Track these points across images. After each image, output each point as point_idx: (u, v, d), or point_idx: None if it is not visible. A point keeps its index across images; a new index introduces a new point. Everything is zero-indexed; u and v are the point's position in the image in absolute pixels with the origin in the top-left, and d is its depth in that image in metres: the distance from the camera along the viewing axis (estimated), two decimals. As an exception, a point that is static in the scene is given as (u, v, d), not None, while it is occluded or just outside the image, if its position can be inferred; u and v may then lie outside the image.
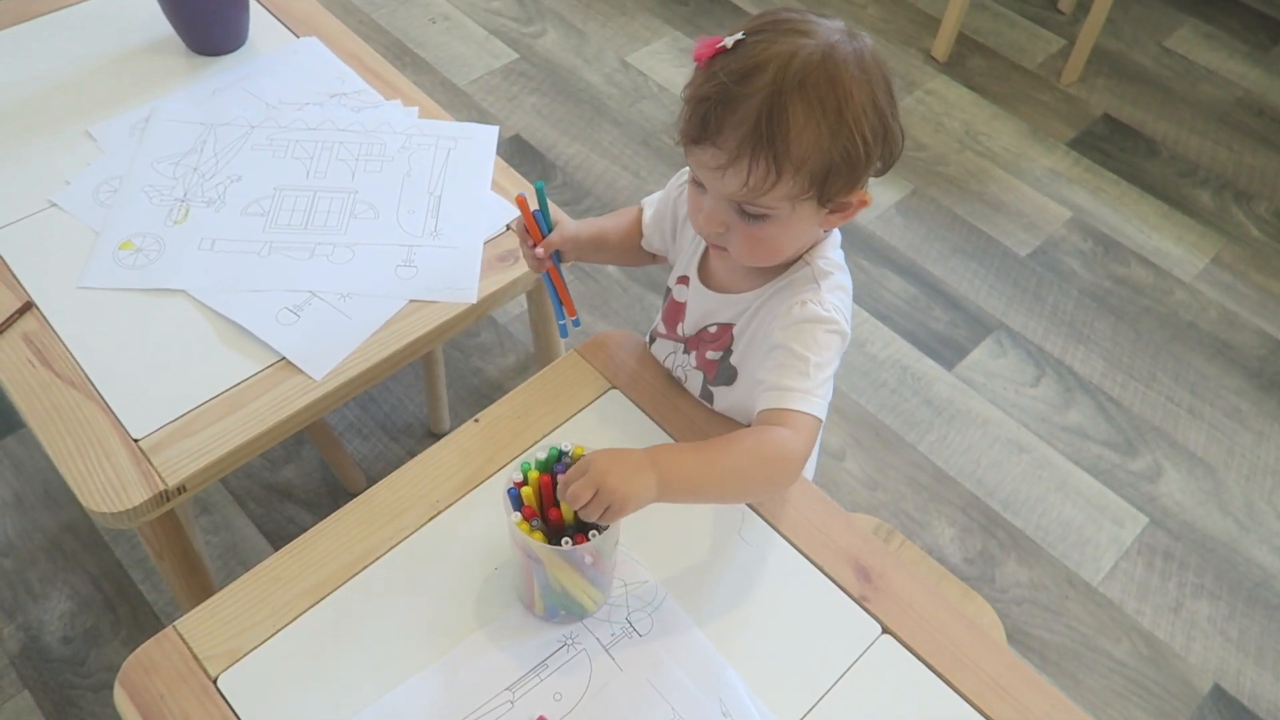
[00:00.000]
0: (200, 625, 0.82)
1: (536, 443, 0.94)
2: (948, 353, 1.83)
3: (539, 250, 0.96)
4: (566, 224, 0.98)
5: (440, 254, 1.11)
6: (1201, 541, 1.61)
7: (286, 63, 1.33)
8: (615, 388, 1.00)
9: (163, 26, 1.32)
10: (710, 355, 0.96)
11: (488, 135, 1.26)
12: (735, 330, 0.93)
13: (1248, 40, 2.53)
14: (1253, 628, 1.52)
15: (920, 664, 0.83)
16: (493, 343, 1.80)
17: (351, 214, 1.15)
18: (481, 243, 1.13)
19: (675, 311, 0.99)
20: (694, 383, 0.99)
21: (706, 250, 0.94)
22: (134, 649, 0.81)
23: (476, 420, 0.97)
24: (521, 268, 1.12)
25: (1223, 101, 2.36)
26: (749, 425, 0.86)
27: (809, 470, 1.02)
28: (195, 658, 0.80)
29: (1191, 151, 2.24)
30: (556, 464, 0.78)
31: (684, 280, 0.97)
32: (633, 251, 1.05)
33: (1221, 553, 1.60)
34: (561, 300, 1.01)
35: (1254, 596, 1.55)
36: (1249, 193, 2.16)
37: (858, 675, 0.83)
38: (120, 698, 0.79)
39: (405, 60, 2.29)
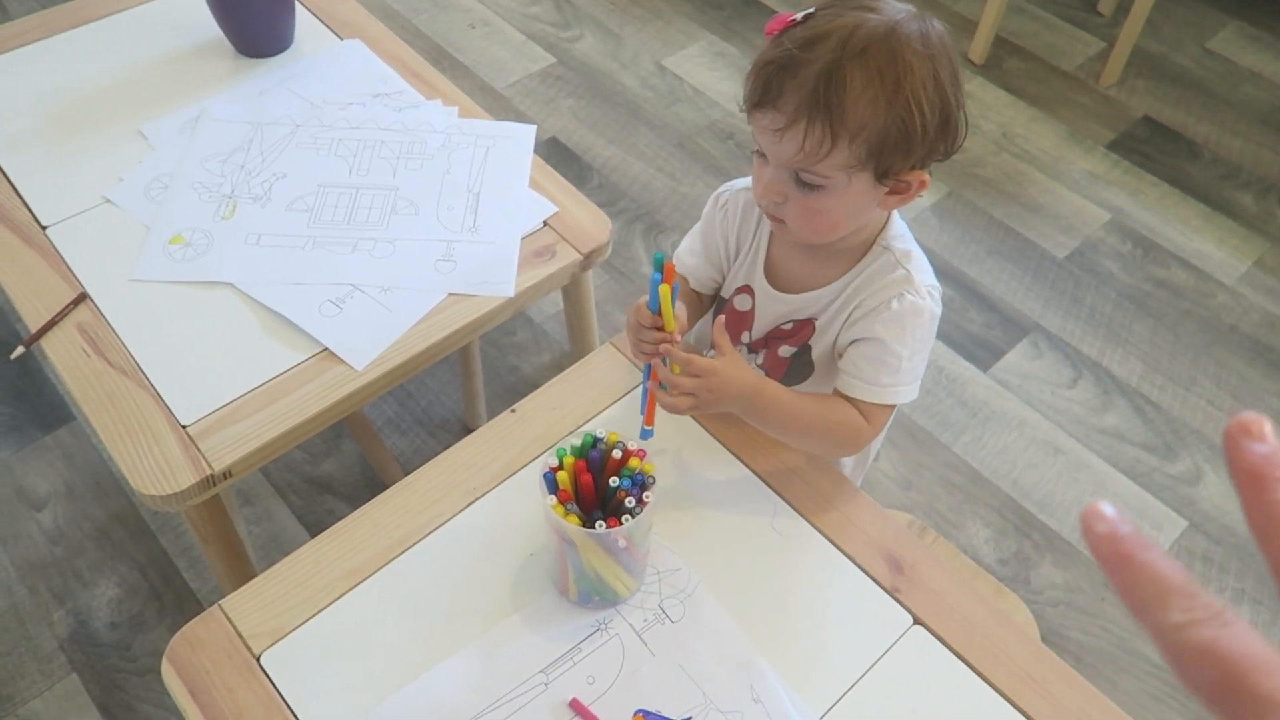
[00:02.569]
0: (244, 605, 0.84)
1: (571, 432, 0.96)
2: (983, 354, 1.82)
3: (665, 345, 0.84)
4: (683, 315, 0.90)
5: (478, 249, 1.14)
6: (1242, 546, 1.59)
7: (330, 64, 1.36)
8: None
9: (212, 30, 1.36)
10: (784, 352, 0.96)
11: (526, 134, 1.28)
12: (819, 324, 0.93)
13: (1293, 41, 2.49)
14: (1294, 634, 1.50)
15: (952, 655, 0.84)
16: (528, 341, 1.82)
17: (392, 210, 1.17)
18: (519, 239, 1.15)
19: (739, 321, 0.99)
20: None
21: (769, 255, 0.95)
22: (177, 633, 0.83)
23: (513, 411, 0.98)
24: (558, 263, 1.14)
25: (1266, 104, 2.33)
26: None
27: (877, 441, 1.05)
28: (240, 636, 0.82)
29: (1234, 154, 2.21)
30: (591, 450, 0.79)
31: (746, 290, 0.97)
32: (698, 310, 1.03)
33: (1260, 558, 1.57)
34: (648, 405, 0.89)
35: (1296, 602, 1.53)
36: (1293, 195, 2.13)
37: (888, 665, 0.83)
38: (168, 673, 0.81)
39: (444, 64, 2.32)
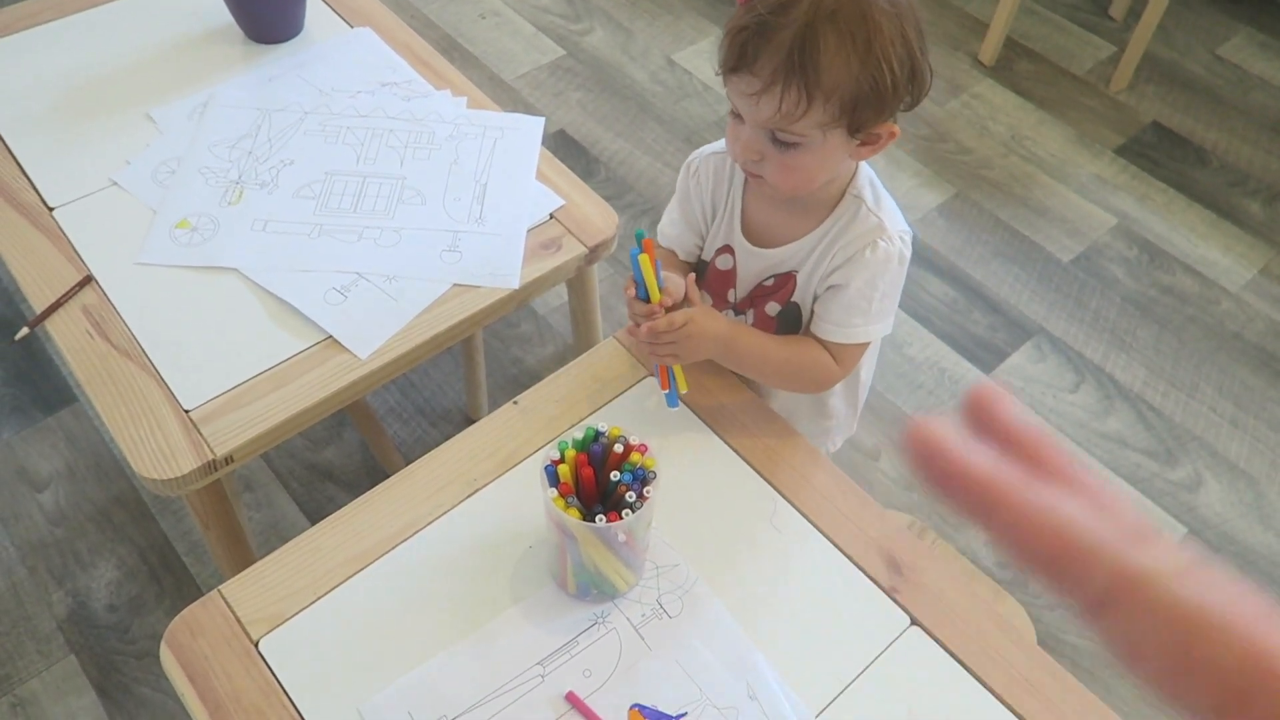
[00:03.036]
0: (244, 590, 0.85)
1: (573, 426, 0.96)
2: (986, 356, 1.82)
3: (657, 318, 0.88)
4: (676, 287, 0.92)
5: (484, 240, 1.14)
6: (1241, 553, 1.59)
7: (340, 52, 1.36)
8: (653, 375, 1.01)
9: (222, 15, 1.36)
10: (770, 309, 0.99)
11: (534, 126, 1.28)
12: (800, 277, 0.96)
13: (1304, 50, 2.48)
14: (1291, 642, 1.49)
15: (949, 657, 0.84)
16: (532, 333, 1.82)
17: (399, 199, 1.17)
18: (525, 230, 1.15)
19: (722, 280, 1.01)
20: None
21: (744, 213, 0.97)
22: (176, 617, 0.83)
23: (516, 403, 0.98)
24: (563, 256, 1.14)
25: (1275, 111, 2.32)
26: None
27: (866, 371, 1.09)
28: (238, 621, 0.83)
29: (1242, 161, 2.21)
30: (593, 443, 0.80)
31: (726, 250, 1.00)
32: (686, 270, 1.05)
33: (1261, 565, 1.58)
34: (661, 372, 0.94)
35: (1293, 611, 1.53)
36: (1301, 204, 2.13)
37: (885, 665, 0.83)
38: (166, 657, 0.81)
39: (454, 54, 2.32)
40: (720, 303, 1.03)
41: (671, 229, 1.04)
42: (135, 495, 1.57)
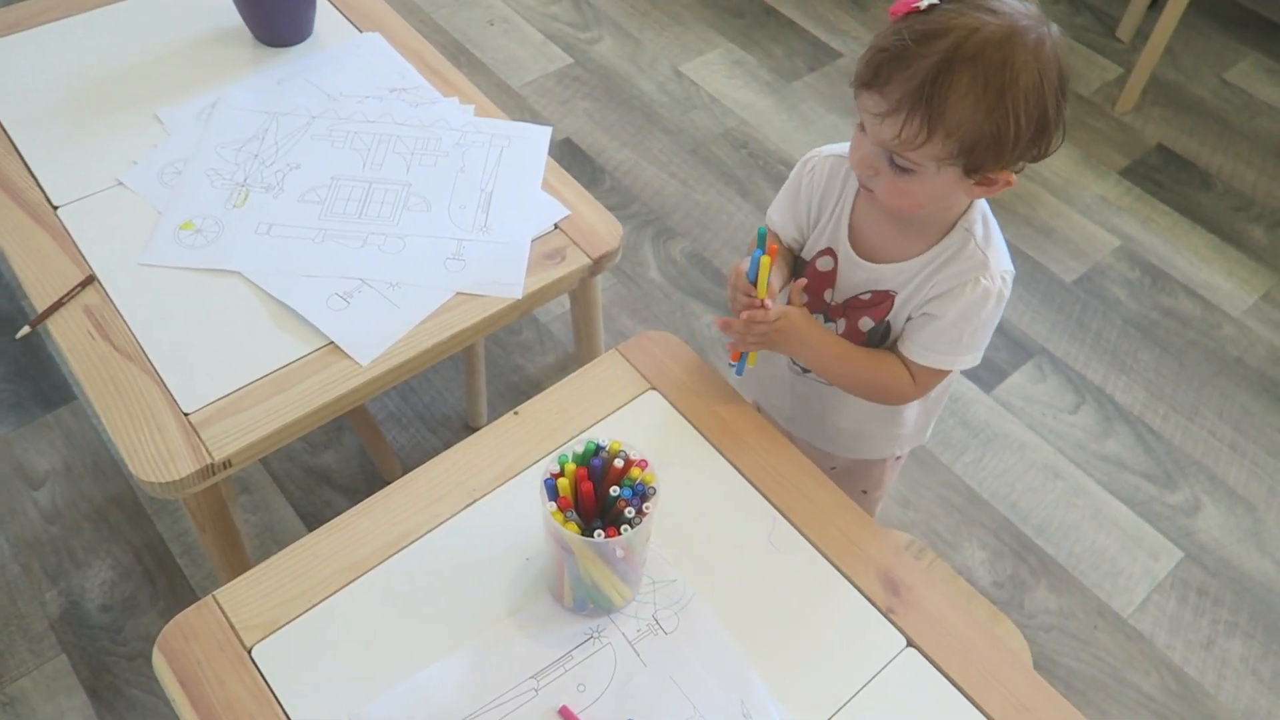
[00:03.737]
0: (239, 596, 0.84)
1: (573, 438, 0.96)
2: (987, 375, 1.82)
3: (762, 312, 0.92)
4: (775, 289, 0.96)
5: (489, 249, 1.14)
6: (1237, 579, 1.58)
7: (349, 56, 1.36)
8: (654, 389, 1.01)
9: (232, 17, 1.36)
10: (864, 325, 1.00)
11: (540, 135, 1.28)
12: (898, 299, 0.97)
13: (1311, 76, 2.49)
14: (1287, 670, 1.49)
15: (944, 680, 0.83)
16: (534, 341, 1.82)
17: (405, 206, 1.17)
18: (529, 240, 1.15)
19: (821, 280, 1.02)
20: None
21: (853, 221, 0.98)
22: (170, 620, 0.83)
23: (516, 413, 0.98)
24: (567, 267, 1.14)
25: (1281, 137, 2.33)
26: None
27: (943, 388, 1.10)
28: (232, 627, 0.82)
29: (1247, 186, 2.21)
30: (593, 457, 0.79)
31: (828, 252, 1.01)
32: (790, 265, 1.07)
33: (1257, 592, 1.57)
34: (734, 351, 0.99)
35: (1290, 639, 1.53)
36: (1304, 230, 2.13)
37: (880, 687, 0.83)
38: (159, 662, 0.81)
39: (462, 60, 2.32)
40: (816, 303, 1.03)
41: (776, 215, 1.06)
42: (132, 495, 1.56)
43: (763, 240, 0.90)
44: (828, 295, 1.02)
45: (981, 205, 0.94)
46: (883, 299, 0.98)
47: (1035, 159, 0.84)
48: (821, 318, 1.03)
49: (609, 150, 2.16)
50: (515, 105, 2.23)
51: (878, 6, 2.57)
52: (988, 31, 0.77)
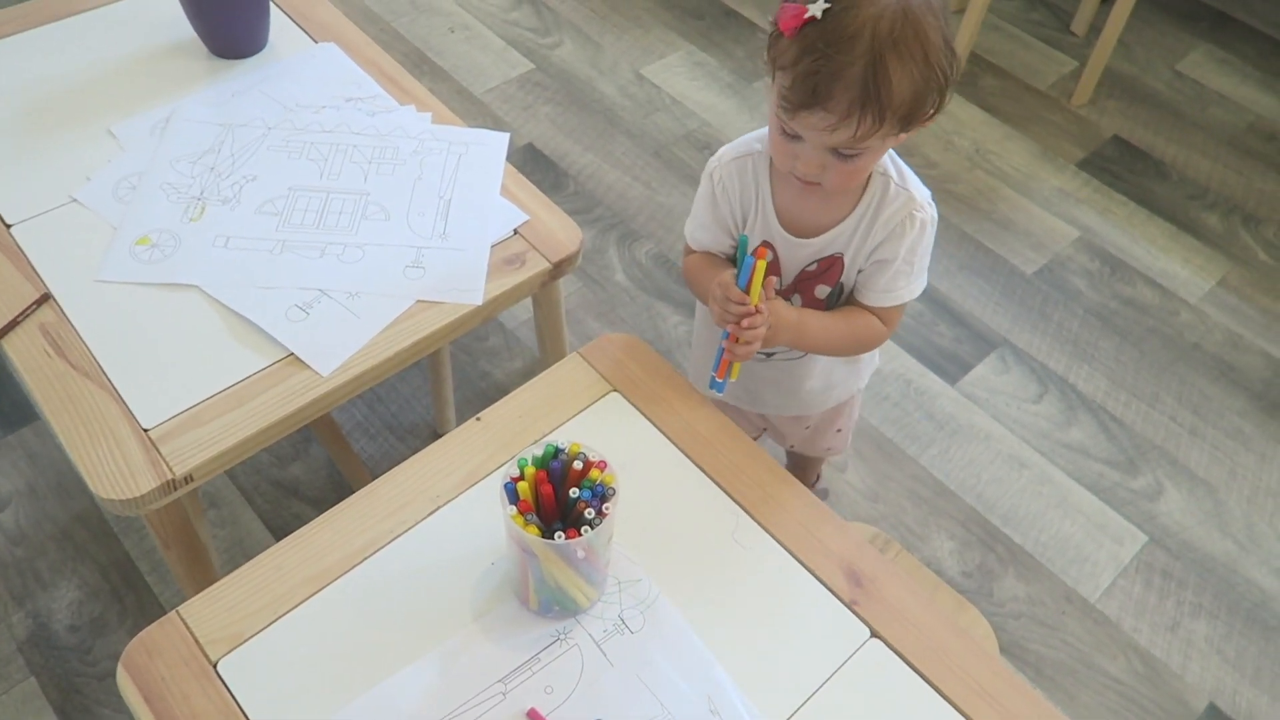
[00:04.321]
0: (203, 610, 0.84)
1: (536, 442, 0.96)
2: (951, 368, 1.84)
3: (759, 316, 0.94)
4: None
5: (448, 256, 1.14)
6: (1201, 561, 1.61)
7: (305, 67, 1.36)
8: (616, 390, 1.02)
9: (185, 30, 1.35)
10: (820, 292, 1.05)
11: (498, 141, 1.28)
12: (847, 258, 1.02)
13: (1260, 66, 2.53)
14: (1250, 648, 1.52)
15: (908, 668, 0.85)
16: (500, 347, 1.82)
17: (363, 215, 1.17)
18: (489, 246, 1.15)
19: (766, 273, 1.03)
20: None
21: (777, 209, 1.02)
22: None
23: (479, 419, 0.99)
24: (527, 272, 1.14)
25: (1234, 126, 2.37)
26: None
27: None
28: (197, 642, 0.82)
29: (1201, 175, 2.25)
30: (553, 460, 0.80)
31: (767, 244, 1.03)
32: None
33: (1220, 573, 1.60)
34: (722, 362, 0.98)
35: (1252, 617, 1.55)
36: (1257, 217, 2.17)
37: (845, 677, 0.84)
38: (123, 678, 0.81)
39: (424, 68, 2.32)
40: (765, 293, 1.05)
41: (703, 233, 1.08)
42: (97, 514, 1.55)
43: (745, 247, 0.93)
44: (775, 284, 1.04)
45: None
46: (831, 263, 1.03)
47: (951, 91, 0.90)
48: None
49: (572, 155, 2.17)
50: (477, 112, 2.24)
51: (836, 6, 2.59)
52: (890, 13, 0.81)
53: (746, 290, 0.93)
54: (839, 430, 1.33)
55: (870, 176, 0.99)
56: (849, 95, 0.82)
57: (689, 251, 1.11)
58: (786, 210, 1.02)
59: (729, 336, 0.96)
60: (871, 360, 1.25)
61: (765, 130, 0.99)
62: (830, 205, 1.00)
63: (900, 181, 0.99)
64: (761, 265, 0.92)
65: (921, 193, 1.00)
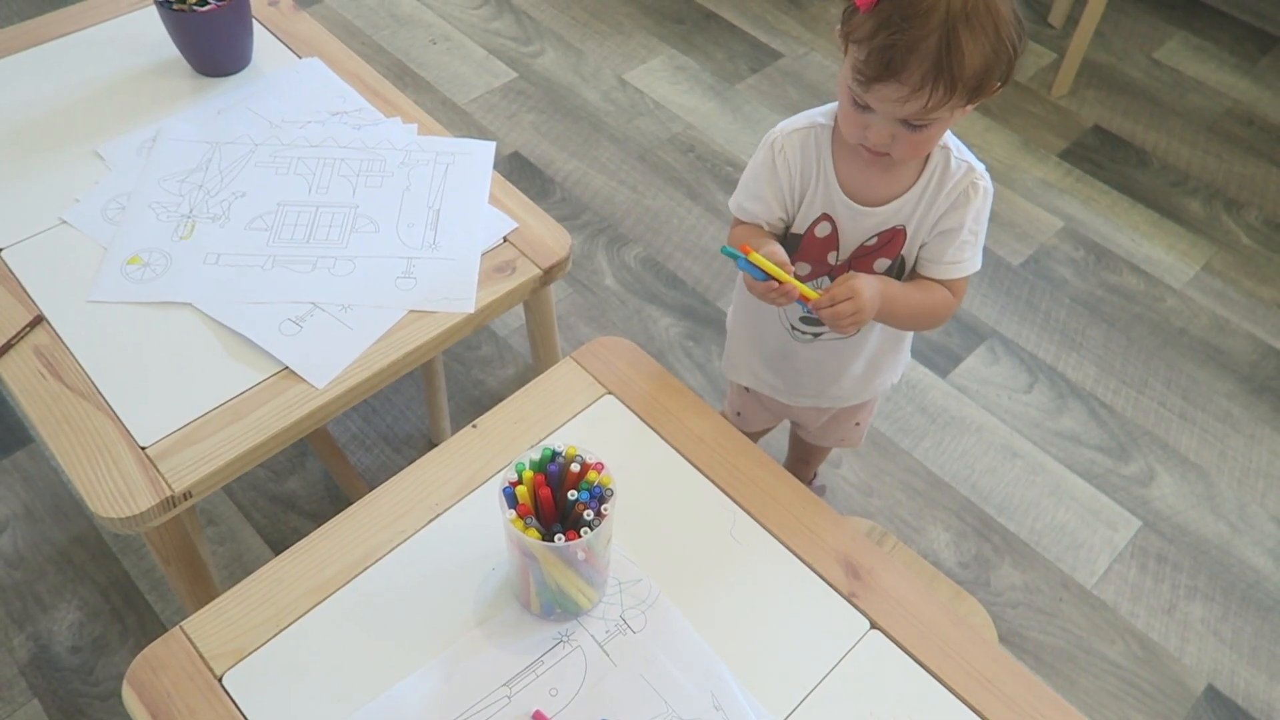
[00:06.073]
0: (206, 625, 0.84)
1: (532, 447, 0.97)
2: (941, 360, 1.85)
3: (788, 286, 0.96)
4: (778, 251, 1.00)
5: (439, 266, 1.14)
6: (1194, 544, 1.63)
7: (289, 83, 1.37)
8: (610, 393, 1.02)
9: (169, 50, 1.36)
10: (879, 266, 1.05)
11: (485, 150, 1.29)
12: (910, 230, 1.04)
13: (1236, 52, 2.56)
14: (1246, 629, 1.53)
15: (908, 658, 0.85)
16: (493, 355, 1.83)
17: (352, 228, 1.18)
18: (479, 254, 1.16)
19: (822, 246, 1.06)
20: None
21: (840, 179, 1.03)
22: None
23: (475, 426, 0.99)
24: (518, 279, 1.15)
25: (1212, 112, 2.39)
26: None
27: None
28: (201, 657, 0.82)
29: (1182, 161, 2.27)
30: (550, 463, 0.81)
31: (825, 218, 1.05)
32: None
33: (1214, 555, 1.62)
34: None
35: (1247, 598, 1.57)
36: (1238, 201, 2.19)
37: (846, 669, 0.85)
38: (129, 696, 0.81)
39: (406, 80, 2.33)
40: (821, 268, 1.08)
41: (754, 204, 1.07)
42: (95, 534, 1.55)
43: (732, 254, 0.93)
44: (831, 258, 1.06)
45: None
46: (892, 236, 1.04)
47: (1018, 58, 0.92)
48: (827, 279, 1.08)
49: (558, 161, 2.18)
50: (462, 122, 2.24)
51: (815, 6, 2.61)
52: None
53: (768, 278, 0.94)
54: (857, 424, 1.34)
55: (933, 150, 1.01)
56: (922, 68, 0.84)
57: (736, 224, 1.11)
58: (848, 181, 1.03)
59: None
60: (907, 355, 1.25)
61: (828, 106, 1.02)
62: (894, 177, 1.01)
63: (960, 155, 1.01)
64: (758, 258, 0.93)
65: (979, 163, 1.02)
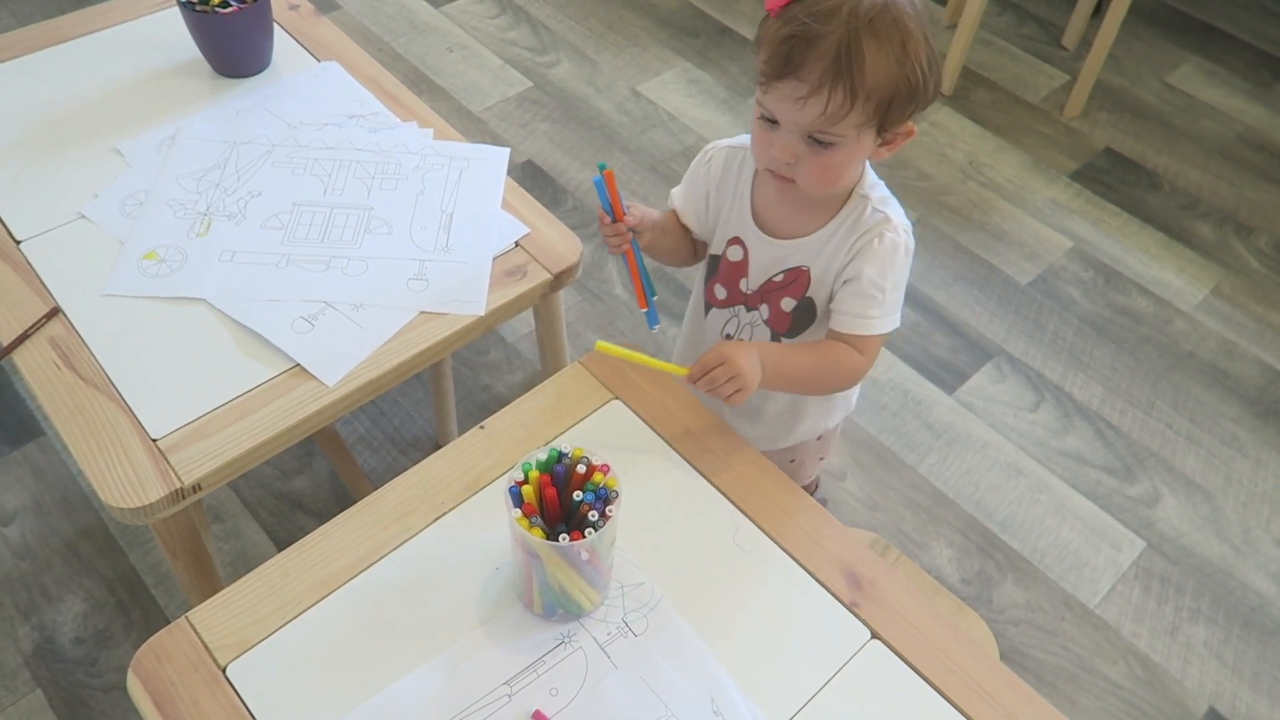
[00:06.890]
0: (211, 616, 0.85)
1: (539, 449, 0.97)
2: (948, 377, 1.86)
3: (622, 224, 1.01)
4: (639, 206, 1.04)
5: (451, 268, 1.15)
6: (1198, 566, 1.62)
7: (307, 85, 1.38)
8: (617, 398, 1.03)
9: (190, 50, 1.38)
10: (786, 305, 1.05)
11: (499, 156, 1.30)
12: (814, 272, 1.02)
13: (1249, 77, 2.57)
14: (1248, 652, 1.53)
15: (908, 669, 0.86)
16: (501, 360, 1.84)
17: (366, 229, 1.19)
18: (491, 258, 1.17)
19: (734, 271, 1.06)
20: (761, 338, 1.07)
21: (754, 206, 1.03)
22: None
23: (482, 427, 1.00)
24: (528, 283, 1.16)
25: (1224, 137, 2.40)
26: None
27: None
28: (206, 647, 0.83)
29: (1192, 185, 2.27)
30: (556, 464, 0.81)
31: (736, 241, 1.05)
32: (684, 238, 1.13)
33: (1218, 578, 1.61)
34: (635, 287, 1.06)
35: (1250, 622, 1.56)
36: (1249, 226, 2.19)
37: (846, 678, 0.85)
38: (133, 684, 0.82)
39: (422, 87, 2.35)
40: (734, 294, 1.08)
41: (681, 200, 1.12)
42: (103, 528, 1.56)
43: (600, 172, 0.98)
44: (743, 284, 1.07)
45: (871, 173, 1.01)
46: (797, 276, 1.03)
47: (928, 103, 0.91)
48: (743, 308, 1.08)
49: (570, 171, 2.19)
50: (476, 130, 2.26)
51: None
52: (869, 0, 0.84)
53: (611, 212, 1.00)
54: (792, 461, 1.28)
55: (851, 195, 1.00)
56: (821, 64, 0.84)
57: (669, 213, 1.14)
58: (763, 209, 1.03)
59: (630, 264, 1.04)
60: (842, 399, 1.21)
61: None
62: (805, 214, 1.01)
63: (881, 205, 0.99)
64: (610, 174, 0.98)
65: (900, 218, 0.99)
